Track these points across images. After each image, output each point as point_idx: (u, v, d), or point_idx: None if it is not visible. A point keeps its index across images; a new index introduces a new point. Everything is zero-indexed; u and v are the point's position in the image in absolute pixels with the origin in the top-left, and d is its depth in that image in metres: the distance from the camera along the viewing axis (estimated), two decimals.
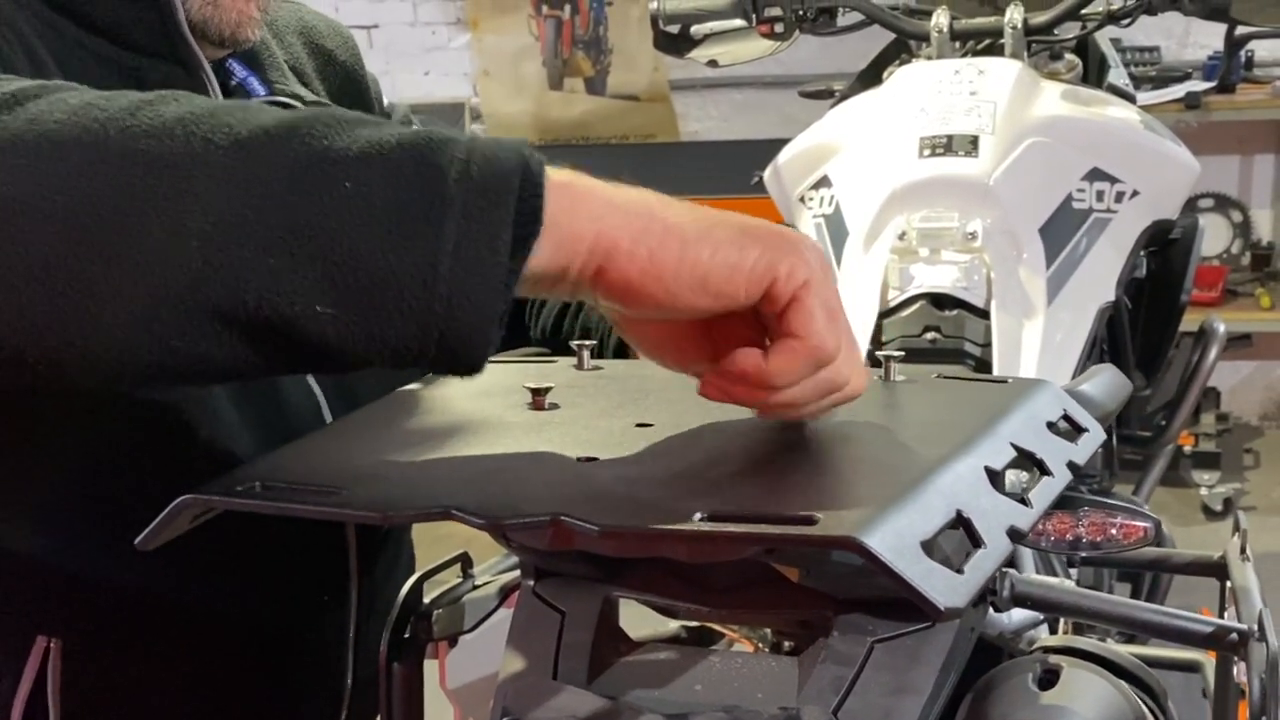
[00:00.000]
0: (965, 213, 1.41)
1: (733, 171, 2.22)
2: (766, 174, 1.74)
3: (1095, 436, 0.66)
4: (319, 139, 0.56)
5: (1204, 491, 3.42)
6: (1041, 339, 1.37)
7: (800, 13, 1.76)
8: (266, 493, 0.57)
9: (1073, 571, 1.11)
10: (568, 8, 4.06)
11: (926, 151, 1.45)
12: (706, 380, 0.62)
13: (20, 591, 0.86)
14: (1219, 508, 3.37)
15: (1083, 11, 1.67)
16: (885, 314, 1.41)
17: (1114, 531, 0.63)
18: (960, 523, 0.51)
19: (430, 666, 0.79)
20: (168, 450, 0.84)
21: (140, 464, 0.84)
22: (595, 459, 0.60)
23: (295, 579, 0.98)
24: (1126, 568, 1.19)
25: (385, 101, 1.17)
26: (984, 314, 1.38)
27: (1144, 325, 1.65)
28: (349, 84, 1.11)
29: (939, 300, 1.39)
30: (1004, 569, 0.68)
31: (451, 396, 0.73)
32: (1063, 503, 0.64)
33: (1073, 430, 0.66)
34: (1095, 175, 1.47)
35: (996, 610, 0.68)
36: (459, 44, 4.35)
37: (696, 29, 1.89)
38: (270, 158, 0.56)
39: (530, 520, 0.51)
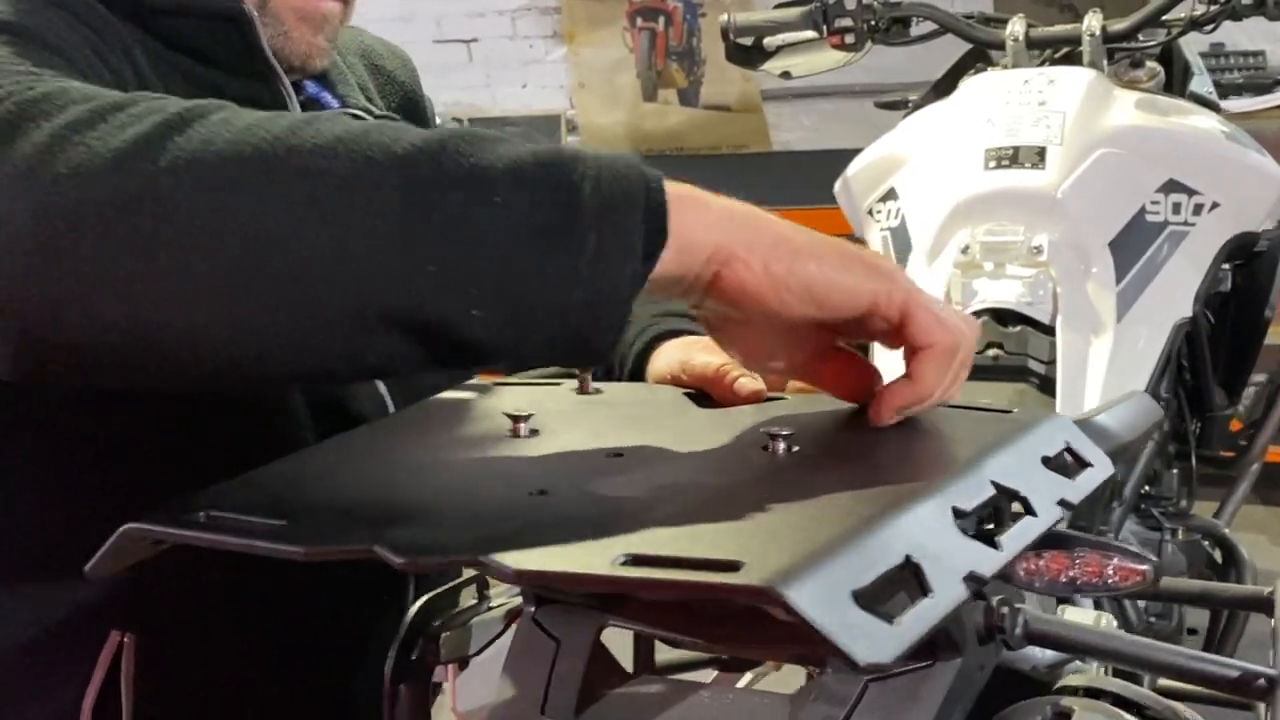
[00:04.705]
0: (1031, 226, 1.37)
1: (824, 182, 2.20)
2: (837, 186, 1.72)
3: (1099, 472, 0.63)
4: (466, 156, 0.60)
5: None
6: (1109, 357, 1.33)
7: (872, 24, 1.73)
8: (208, 523, 0.57)
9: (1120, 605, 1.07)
10: (662, 19, 4.05)
11: (992, 163, 1.42)
12: (876, 419, 0.68)
13: (96, 588, 0.87)
14: None
15: (1165, 18, 1.61)
16: None
17: (1110, 573, 0.60)
18: (909, 568, 0.49)
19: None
20: (236, 444, 0.84)
21: (211, 459, 0.85)
22: (545, 492, 0.59)
23: (357, 577, 0.98)
24: (1171, 601, 1.14)
25: (437, 121, 1.18)
26: (1049, 330, 1.34)
27: (1227, 341, 1.59)
28: (407, 102, 1.14)
29: (1003, 316, 1.36)
30: (1018, 606, 0.65)
31: (440, 421, 0.73)
32: (1059, 541, 0.61)
33: (1076, 465, 0.63)
34: (1171, 187, 1.42)
35: (1009, 648, 0.65)
36: (556, 57, 4.37)
37: (769, 41, 1.87)
38: (424, 175, 0.60)
39: (449, 559, 0.50)
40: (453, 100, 4.36)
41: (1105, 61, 1.60)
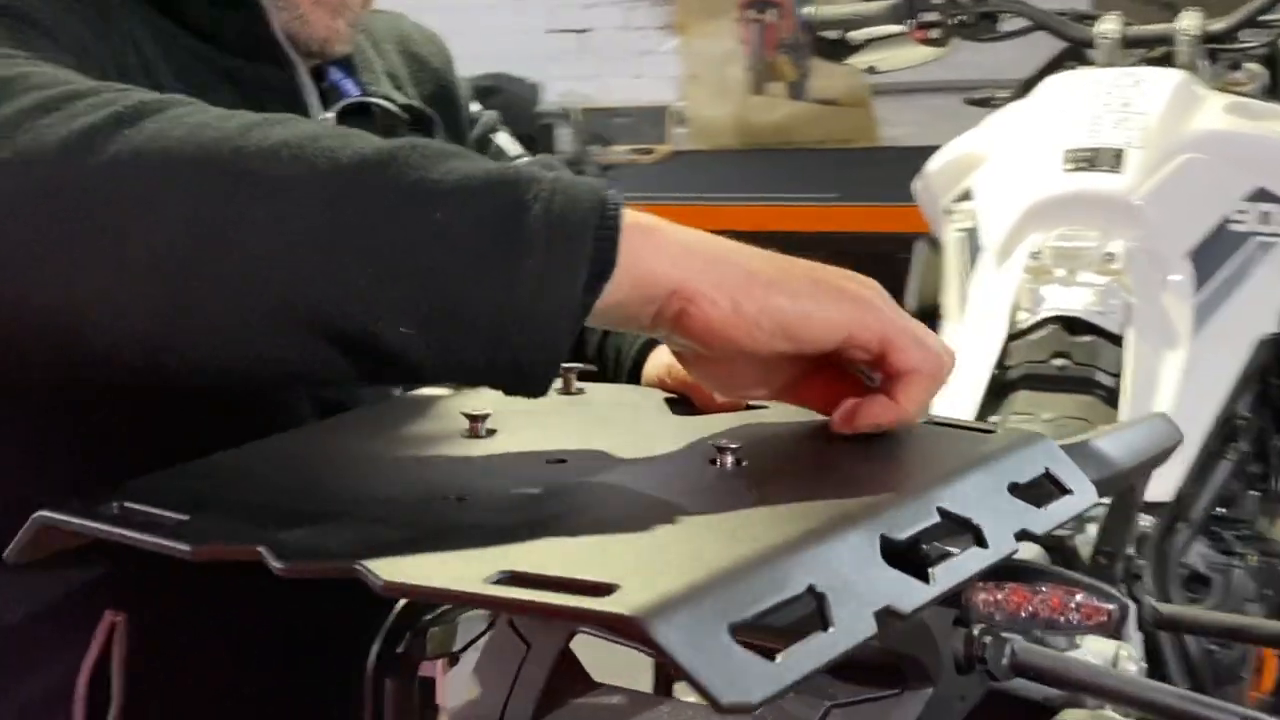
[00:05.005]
0: (1106, 232, 1.32)
1: None
2: (915, 184, 1.67)
3: (1079, 500, 0.59)
4: (414, 169, 0.59)
5: None
6: (1182, 371, 1.27)
7: (958, 19, 1.68)
8: (119, 515, 0.56)
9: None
10: (772, 12, 4.01)
11: (1069, 165, 1.37)
12: (839, 425, 0.65)
13: (88, 569, 0.88)
14: None
15: (1268, 18, 1.54)
16: (1014, 336, 1.33)
17: (1073, 610, 0.56)
18: (814, 599, 0.46)
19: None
20: (239, 430, 0.84)
21: (213, 443, 0.85)
22: (463, 499, 0.57)
23: None
24: (1196, 634, 1.08)
25: (474, 107, 1.17)
26: (1119, 341, 1.28)
27: None
28: (439, 89, 1.13)
29: (1071, 325, 1.31)
30: (1005, 636, 0.61)
31: (397, 419, 0.71)
32: (1021, 574, 0.57)
33: (1056, 491, 0.59)
34: (1261, 196, 1.35)
35: (994, 680, 0.62)
36: (668, 48, 4.36)
37: (854, 35, 1.83)
38: (366, 184, 0.59)
39: (324, 566, 0.49)
40: (564, 90, 4.37)
41: (1205, 62, 1.53)
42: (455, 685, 0.80)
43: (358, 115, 1.00)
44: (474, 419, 0.66)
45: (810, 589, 0.45)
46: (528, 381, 0.59)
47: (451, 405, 0.69)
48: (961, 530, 0.53)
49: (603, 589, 0.43)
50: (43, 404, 0.85)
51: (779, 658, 0.43)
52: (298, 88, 0.96)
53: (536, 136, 4.11)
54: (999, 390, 1.30)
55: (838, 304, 0.61)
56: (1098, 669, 0.61)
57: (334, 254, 0.57)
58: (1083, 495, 0.59)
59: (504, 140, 1.17)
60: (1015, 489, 0.57)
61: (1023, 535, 0.55)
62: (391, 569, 0.47)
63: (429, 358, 0.58)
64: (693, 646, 0.41)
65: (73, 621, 0.84)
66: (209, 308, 0.59)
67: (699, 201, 3.23)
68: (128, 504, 0.56)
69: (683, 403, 0.73)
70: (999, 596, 0.55)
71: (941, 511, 0.52)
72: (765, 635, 0.45)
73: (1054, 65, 1.70)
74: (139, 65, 0.85)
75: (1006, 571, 0.56)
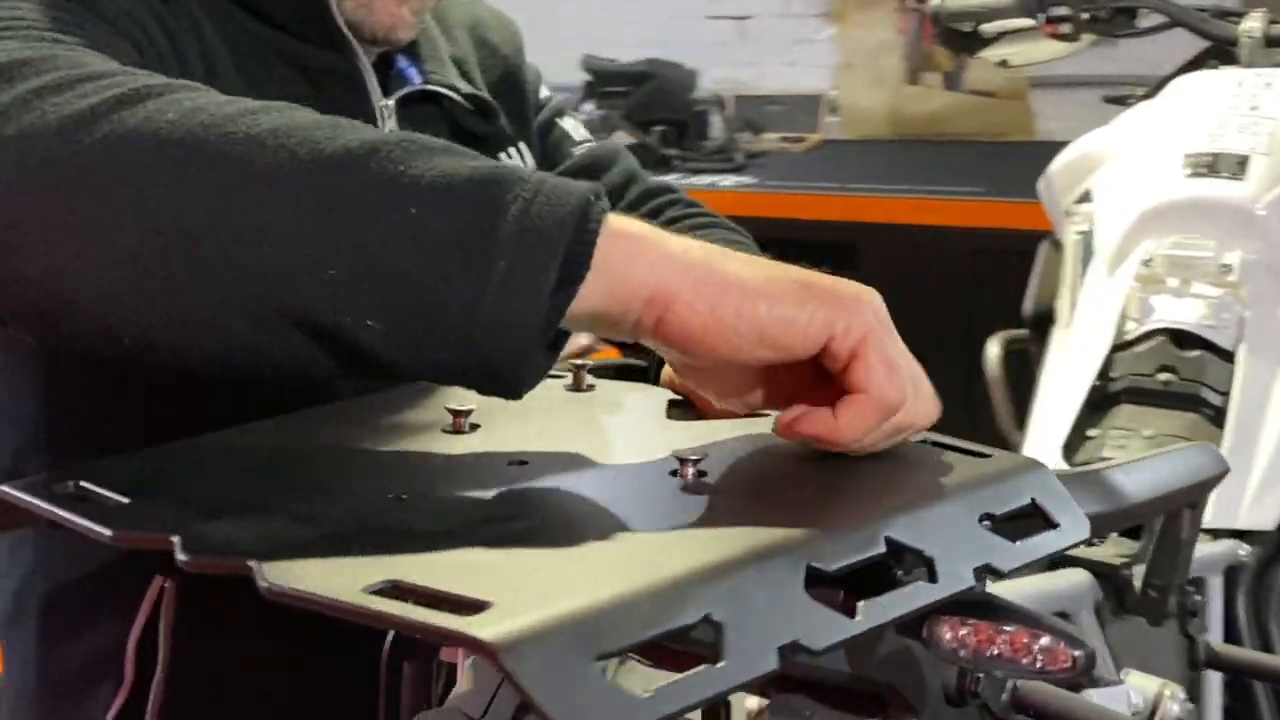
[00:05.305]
0: (1223, 242, 1.25)
1: None
2: (1040, 184, 1.62)
3: (1066, 535, 0.55)
4: (395, 164, 0.59)
5: None
6: None
7: (1091, 14, 1.61)
8: (72, 494, 0.57)
9: None
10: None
11: (1189, 170, 1.30)
12: (779, 429, 0.63)
13: None
14: None
15: None
16: (1119, 347, 1.28)
17: (1038, 653, 0.53)
18: (711, 628, 0.44)
19: None
20: (283, 404, 0.85)
21: (260, 415, 0.86)
22: (402, 498, 0.57)
23: None
24: (1253, 677, 1.02)
25: (542, 92, 1.17)
26: (1230, 357, 1.22)
27: None
28: (506, 75, 1.13)
29: (1180, 338, 1.25)
30: (1010, 675, 0.59)
31: (380, 411, 0.71)
32: (988, 611, 0.54)
33: (1043, 525, 0.56)
34: None
35: (992, 715, 0.59)
36: (824, 36, 4.30)
37: (986, 28, 1.78)
38: (345, 178, 0.59)
39: (223, 562, 0.49)
40: (720, 77, 4.35)
41: None
42: (480, 670, 0.80)
43: (421, 103, 1.01)
44: (457, 414, 0.66)
45: (707, 618, 0.44)
46: (499, 384, 0.59)
47: (451, 397, 0.69)
48: (917, 562, 0.50)
49: (475, 606, 0.42)
50: (103, 384, 0.88)
51: (651, 692, 0.41)
52: (359, 74, 0.97)
53: (689, 123, 4.09)
54: (1099, 403, 1.25)
55: (817, 309, 0.59)
56: (1103, 710, 0.58)
57: (307, 246, 0.58)
58: (1071, 531, 0.56)
59: (569, 125, 1.17)
60: (989, 520, 0.54)
61: (985, 570, 0.52)
62: (283, 571, 0.47)
63: (398, 355, 0.58)
64: (548, 676, 0.39)
65: (126, 584, 0.87)
66: (190, 294, 0.59)
67: (842, 192, 3.17)
68: (83, 483, 0.58)
69: (684, 405, 0.71)
70: (962, 633, 0.53)
71: (890, 541, 0.50)
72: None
73: (1195, 64, 1.62)
74: (199, 51, 0.87)
75: (972, 607, 0.54)
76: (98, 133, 0.61)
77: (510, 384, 0.59)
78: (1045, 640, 0.52)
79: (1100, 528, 0.60)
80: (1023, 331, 1.59)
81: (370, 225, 0.57)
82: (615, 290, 0.58)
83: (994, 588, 0.69)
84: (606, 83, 4.12)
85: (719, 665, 0.43)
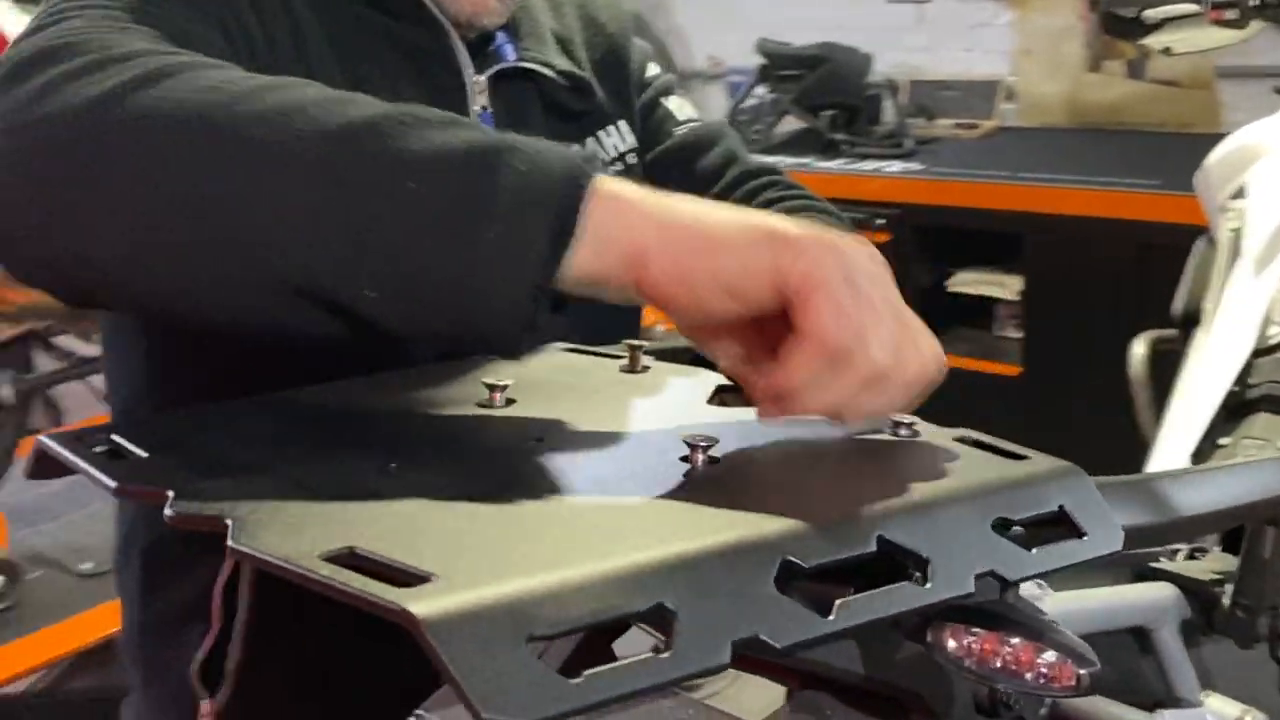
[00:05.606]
0: None
1: None
2: (1196, 177, 1.55)
3: (1094, 545, 0.52)
4: (395, 138, 0.61)
5: None
6: None
7: (1261, 0, 1.53)
8: (105, 449, 0.59)
9: None
10: None
11: None
12: (758, 414, 0.62)
13: None
14: None
15: None
16: (1260, 352, 1.21)
17: (1043, 669, 0.50)
18: (661, 617, 0.43)
19: None
20: (363, 364, 0.87)
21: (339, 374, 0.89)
22: (393, 467, 0.57)
23: None
24: None
25: (649, 71, 1.16)
26: None
27: None
28: (612, 52, 1.14)
29: None
30: (1011, 690, 0.56)
31: (422, 383, 0.71)
32: (996, 621, 0.51)
33: (1069, 533, 0.52)
34: None
35: None
36: (1003, 21, 4.18)
37: (1150, 14, 1.70)
38: (346, 152, 0.61)
39: (201, 519, 0.50)
40: (896, 61, 4.28)
41: None
42: None
43: (515, 79, 1.02)
44: (493, 389, 0.66)
45: (660, 606, 0.42)
46: (497, 349, 0.62)
47: (486, 372, 0.70)
48: (919, 566, 0.48)
49: (419, 579, 0.42)
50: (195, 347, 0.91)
51: (583, 677, 0.40)
52: (451, 51, 0.98)
53: (861, 107, 4.03)
54: (1236, 410, 1.19)
55: (768, 254, 0.57)
56: None
57: (304, 220, 0.60)
58: (1099, 542, 0.53)
59: (674, 104, 1.16)
60: (1004, 525, 0.52)
61: (989, 577, 0.50)
62: (251, 531, 0.48)
63: (396, 323, 0.60)
64: (474, 654, 0.39)
65: (213, 537, 0.92)
66: (201, 264, 0.62)
67: (1009, 181, 3.08)
68: (115, 437, 0.60)
69: (737, 391, 0.70)
70: (967, 642, 0.50)
71: (882, 540, 0.48)
72: None
73: None
74: (289, 28, 0.89)
75: (980, 616, 0.51)
76: (117, 113, 0.64)
77: (503, 347, 0.61)
78: (1050, 656, 0.50)
79: (1140, 541, 0.57)
80: (1171, 331, 1.53)
81: (366, 198, 0.59)
82: (601, 252, 0.59)
83: (1061, 595, 0.66)
84: (780, 66, 4.09)
85: (663, 655, 0.42)
